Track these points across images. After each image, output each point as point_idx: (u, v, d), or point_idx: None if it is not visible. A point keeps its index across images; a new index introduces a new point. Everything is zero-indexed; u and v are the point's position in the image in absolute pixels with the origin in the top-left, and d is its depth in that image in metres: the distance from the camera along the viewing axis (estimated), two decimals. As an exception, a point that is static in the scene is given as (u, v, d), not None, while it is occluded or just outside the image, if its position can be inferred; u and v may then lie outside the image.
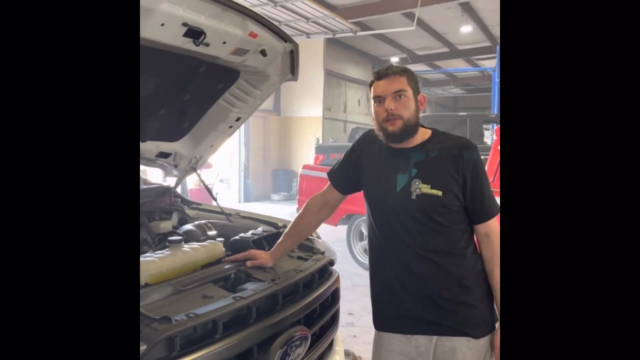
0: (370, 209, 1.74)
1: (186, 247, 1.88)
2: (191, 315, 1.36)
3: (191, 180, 8.40)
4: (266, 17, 2.00)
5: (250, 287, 1.66)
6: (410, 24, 10.22)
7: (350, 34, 10.29)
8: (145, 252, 2.01)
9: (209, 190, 2.73)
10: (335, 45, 13.65)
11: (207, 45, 1.82)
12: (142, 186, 2.66)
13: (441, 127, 1.78)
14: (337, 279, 2.14)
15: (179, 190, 2.90)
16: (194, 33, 1.73)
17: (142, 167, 3.13)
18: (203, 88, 2.27)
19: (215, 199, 2.71)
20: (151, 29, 1.61)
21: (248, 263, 1.86)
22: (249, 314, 1.52)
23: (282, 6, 8.46)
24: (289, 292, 1.76)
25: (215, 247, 1.96)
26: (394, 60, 15.90)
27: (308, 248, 2.23)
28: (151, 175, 4.13)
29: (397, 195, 1.63)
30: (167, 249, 1.86)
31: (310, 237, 2.41)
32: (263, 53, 2.09)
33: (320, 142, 12.18)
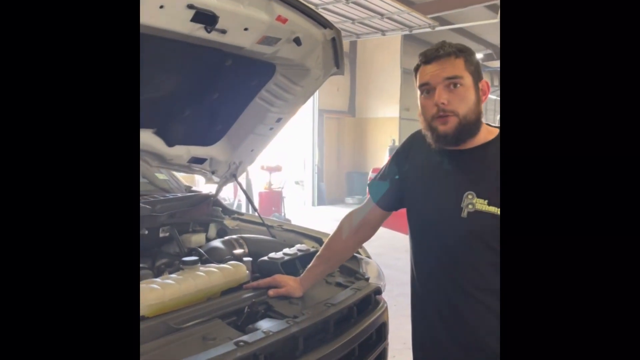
0: (411, 231, 1.37)
1: (201, 270, 1.61)
2: (172, 369, 1.08)
3: (260, 184, 8.29)
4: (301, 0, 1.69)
5: (264, 326, 1.34)
6: (495, 16, 9.46)
7: (429, 30, 9.71)
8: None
9: (249, 198, 2.47)
10: (413, 42, 13.03)
11: (223, 32, 1.53)
12: (176, 194, 2.44)
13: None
14: (385, 311, 1.77)
15: (220, 195, 2.66)
16: (205, 17, 1.45)
17: (188, 175, 2.95)
18: (234, 85, 2.00)
19: (255, 209, 2.44)
20: (149, 13, 1.35)
21: (270, 292, 1.55)
22: (256, 364, 1.21)
23: (355, 3, 8.09)
24: (314, 332, 1.43)
25: (236, 270, 1.66)
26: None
27: (351, 272, 1.88)
28: (202, 182, 3.96)
29: (444, 212, 1.25)
30: (178, 272, 1.60)
31: (359, 256, 2.06)
32: (297, 42, 1.77)
33: (396, 143, 11.67)
